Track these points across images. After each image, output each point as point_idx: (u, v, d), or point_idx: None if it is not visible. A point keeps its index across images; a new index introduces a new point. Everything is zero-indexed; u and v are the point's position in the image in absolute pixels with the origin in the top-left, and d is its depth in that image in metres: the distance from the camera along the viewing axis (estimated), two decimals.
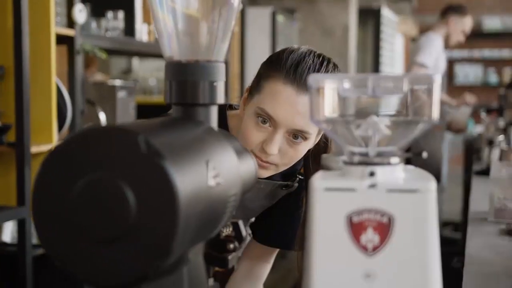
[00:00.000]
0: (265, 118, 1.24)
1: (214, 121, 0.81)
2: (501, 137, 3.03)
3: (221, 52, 0.82)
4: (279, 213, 1.49)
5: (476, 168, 3.23)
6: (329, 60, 1.26)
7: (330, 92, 0.70)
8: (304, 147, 1.27)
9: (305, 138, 1.25)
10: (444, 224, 5.42)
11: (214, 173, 0.68)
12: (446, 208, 5.70)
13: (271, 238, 1.52)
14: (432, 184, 0.67)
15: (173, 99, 0.80)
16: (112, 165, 0.60)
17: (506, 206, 1.90)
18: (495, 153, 2.98)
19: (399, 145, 0.70)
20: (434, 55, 4.29)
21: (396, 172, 0.69)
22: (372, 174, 0.68)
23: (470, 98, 4.86)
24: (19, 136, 2.27)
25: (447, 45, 4.44)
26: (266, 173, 1.29)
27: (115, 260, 0.60)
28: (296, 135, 1.25)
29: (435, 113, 0.68)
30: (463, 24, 4.41)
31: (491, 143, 3.19)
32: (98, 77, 4.21)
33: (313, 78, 0.69)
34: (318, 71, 1.21)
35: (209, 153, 0.70)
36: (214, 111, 0.81)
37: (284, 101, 1.22)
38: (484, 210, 1.95)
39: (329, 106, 0.70)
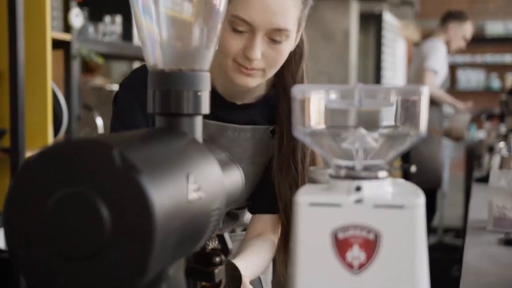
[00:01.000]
0: (240, 25, 1.20)
1: (198, 132, 0.79)
2: (501, 144, 3.01)
3: (206, 61, 0.80)
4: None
5: (476, 175, 3.21)
6: None
7: (316, 103, 0.67)
8: (286, 47, 1.24)
9: (286, 36, 1.21)
10: (445, 231, 5.39)
11: (195, 187, 0.66)
12: (448, 214, 5.67)
13: (270, 204, 1.39)
14: (420, 199, 0.65)
15: (157, 109, 0.78)
16: (87, 179, 0.58)
17: (505, 215, 1.88)
18: (496, 160, 2.95)
19: (387, 158, 0.68)
20: (440, 61, 4.31)
21: (383, 187, 0.67)
22: (358, 188, 0.65)
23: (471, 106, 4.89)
24: (13, 141, 2.25)
25: (448, 51, 4.44)
26: (254, 81, 1.26)
27: (89, 277, 0.58)
28: (275, 36, 1.21)
29: (423, 126, 0.66)
30: (463, 30, 4.39)
31: (491, 149, 3.16)
32: (99, 81, 4.19)
33: (298, 89, 0.67)
34: None
35: (190, 166, 0.67)
36: (198, 121, 0.79)
37: (256, 2, 1.18)
38: (484, 218, 1.93)
39: (314, 118, 0.68)
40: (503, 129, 4.13)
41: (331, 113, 0.69)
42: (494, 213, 1.86)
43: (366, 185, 0.66)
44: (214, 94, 1.33)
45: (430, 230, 5.11)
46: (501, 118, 4.39)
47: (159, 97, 0.77)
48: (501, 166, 2.81)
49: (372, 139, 0.67)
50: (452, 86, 10.10)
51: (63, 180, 0.58)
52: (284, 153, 1.31)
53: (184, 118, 0.77)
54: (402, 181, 0.72)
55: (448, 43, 4.39)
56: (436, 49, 4.30)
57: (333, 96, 0.67)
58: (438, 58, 4.30)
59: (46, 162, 0.59)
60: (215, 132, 1.35)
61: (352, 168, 0.67)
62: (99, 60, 2.67)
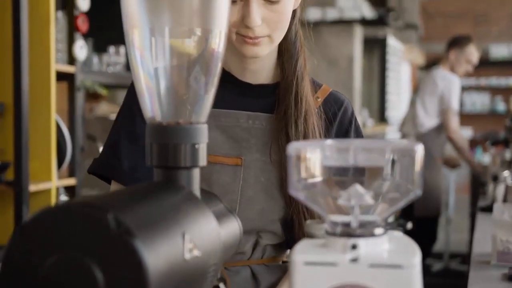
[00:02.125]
0: None
1: (196, 184, 0.79)
2: (506, 173, 2.99)
3: (203, 113, 0.81)
4: None
5: (481, 204, 3.19)
6: None
7: (311, 160, 0.67)
8: (286, 5, 1.16)
9: None
10: (451, 256, 5.35)
11: (191, 246, 0.66)
12: (454, 239, 5.63)
13: None
14: (417, 258, 0.65)
15: (154, 162, 0.78)
16: (81, 243, 0.58)
17: (509, 250, 1.86)
18: (500, 189, 2.93)
19: (383, 215, 0.68)
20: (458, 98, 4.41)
21: (379, 244, 0.66)
22: (354, 247, 0.65)
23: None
24: (17, 174, 2.25)
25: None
26: (262, 50, 1.18)
27: None
28: None
29: (417, 184, 0.66)
30: (465, 55, 4.40)
31: (496, 178, 3.14)
32: (104, 107, 4.21)
33: (292, 146, 0.67)
34: None
35: (186, 223, 0.67)
36: (196, 174, 0.79)
37: None
38: (488, 251, 1.91)
39: (309, 175, 0.68)
40: (508, 155, 4.12)
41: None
42: (498, 247, 1.85)
43: (362, 243, 0.65)
44: (228, 76, 1.27)
45: (432, 256, 5.08)
46: (505, 143, 4.38)
47: (156, 150, 0.78)
48: (506, 196, 2.80)
49: (368, 196, 0.67)
50: None
51: (58, 244, 0.58)
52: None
53: (182, 171, 0.77)
54: (399, 234, 0.72)
55: (452, 70, 4.40)
56: (454, 86, 4.34)
57: (328, 153, 0.67)
58: (458, 95, 4.37)
59: (41, 226, 0.59)
60: (227, 121, 1.24)
61: (348, 225, 0.67)
62: (103, 92, 2.68)
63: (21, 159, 2.27)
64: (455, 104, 4.30)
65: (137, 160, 1.20)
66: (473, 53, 4.51)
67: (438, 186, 4.40)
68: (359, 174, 0.69)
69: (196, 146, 0.78)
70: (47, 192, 2.44)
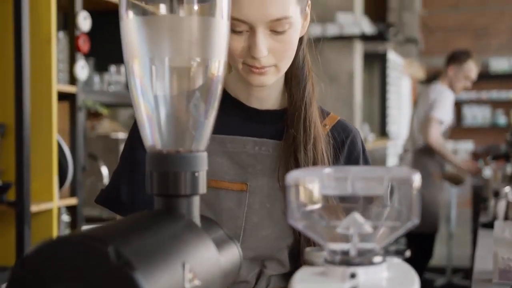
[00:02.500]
0: (237, 25, 1.12)
1: (195, 212, 0.79)
2: (507, 189, 2.98)
3: (203, 141, 0.81)
4: None
5: (482, 220, 3.18)
6: None
7: (309, 189, 0.68)
8: (292, 35, 1.15)
9: (289, 24, 1.13)
10: (454, 271, 5.34)
11: (191, 276, 0.66)
12: (456, 253, 5.61)
13: None
14: (416, 286, 0.65)
15: (155, 190, 0.79)
16: (82, 275, 0.58)
17: (510, 267, 1.86)
18: (502, 205, 2.93)
19: (382, 243, 0.68)
20: (447, 111, 4.32)
21: (378, 273, 0.67)
22: (353, 275, 0.66)
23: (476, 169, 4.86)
24: (19, 195, 2.26)
25: (454, 92, 4.45)
26: (268, 79, 1.17)
27: None
28: (277, 27, 1.12)
29: (415, 212, 0.66)
30: (464, 71, 4.40)
31: (497, 194, 3.14)
32: (105, 125, 4.22)
33: (291, 176, 0.68)
34: None
35: (186, 253, 0.68)
36: (196, 202, 0.80)
37: None
38: (489, 269, 1.91)
39: (308, 204, 0.68)
40: (509, 169, 4.11)
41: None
42: (500, 265, 1.85)
43: (361, 271, 0.66)
44: (235, 102, 1.27)
45: (435, 270, 5.06)
46: (507, 158, 4.37)
47: (156, 179, 0.78)
48: (507, 212, 2.79)
49: (367, 225, 0.67)
50: (458, 123, 10.13)
51: (59, 276, 0.58)
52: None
53: (182, 199, 0.78)
54: (398, 261, 0.72)
55: (451, 86, 4.41)
56: (444, 97, 4.31)
57: (326, 182, 0.68)
58: (447, 108, 4.31)
59: (42, 258, 0.59)
60: (233, 147, 1.24)
61: (346, 253, 0.68)
62: (104, 111, 2.69)
63: (23, 180, 2.28)
64: (439, 114, 4.24)
65: (137, 191, 1.21)
66: (471, 69, 4.51)
67: (436, 202, 4.38)
68: (358, 203, 0.70)
69: (196, 174, 0.79)
70: (48, 212, 2.44)
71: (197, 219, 0.79)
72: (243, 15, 1.11)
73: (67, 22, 2.67)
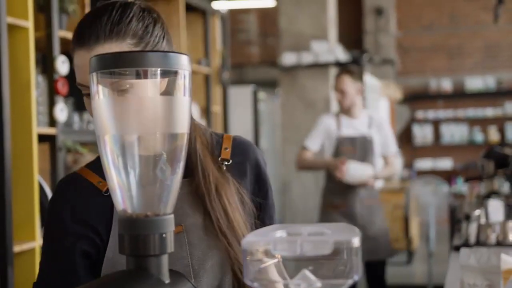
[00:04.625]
0: (85, 89, 1.18)
1: (164, 269, 0.87)
2: (477, 212, 3.07)
3: (170, 204, 0.90)
4: None
5: (456, 242, 3.26)
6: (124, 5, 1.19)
7: (263, 252, 0.76)
8: (143, 93, 1.13)
9: (130, 85, 1.12)
10: None
11: None
12: (437, 270, 5.69)
13: None
14: None
15: (126, 251, 0.87)
16: None
17: None
18: (473, 228, 3.00)
19: None
20: (315, 135, 4.06)
21: None
22: None
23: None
24: (1, 236, 2.32)
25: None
26: None
27: None
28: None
29: (355, 271, 0.75)
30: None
31: (468, 217, 3.22)
32: (87, 158, 4.27)
33: (246, 241, 0.76)
34: (101, 17, 1.16)
35: None
36: (164, 260, 0.88)
37: (79, 65, 1.17)
38: None
39: (262, 263, 0.77)
40: (482, 189, 4.21)
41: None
42: None
43: None
44: None
45: None
46: (480, 178, 4.46)
47: (128, 241, 0.87)
48: (478, 234, 2.88)
49: (316, 281, 0.76)
50: (436, 141, 10.30)
51: None
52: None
53: (152, 258, 0.86)
54: None
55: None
56: (316, 124, 4.10)
57: (279, 245, 0.76)
58: (312, 133, 4.06)
59: None
60: None
61: None
62: (83, 151, 2.77)
63: (5, 221, 2.34)
64: (306, 141, 4.05)
65: (68, 280, 1.21)
66: (336, 81, 4.08)
67: (384, 227, 4.21)
68: (307, 261, 0.78)
69: (164, 235, 0.87)
70: (31, 251, 2.50)
71: (165, 276, 0.87)
72: (82, 79, 1.17)
73: (46, 66, 2.75)
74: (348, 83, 3.91)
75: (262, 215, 1.33)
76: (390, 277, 4.92)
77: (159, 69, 0.86)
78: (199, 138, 1.28)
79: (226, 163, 1.29)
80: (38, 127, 2.55)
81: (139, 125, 0.86)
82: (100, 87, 0.87)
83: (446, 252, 5.98)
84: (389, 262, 6.56)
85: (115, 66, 0.86)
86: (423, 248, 7.19)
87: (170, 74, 0.87)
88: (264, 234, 0.78)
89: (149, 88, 0.88)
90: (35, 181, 2.49)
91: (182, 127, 0.88)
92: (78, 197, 1.25)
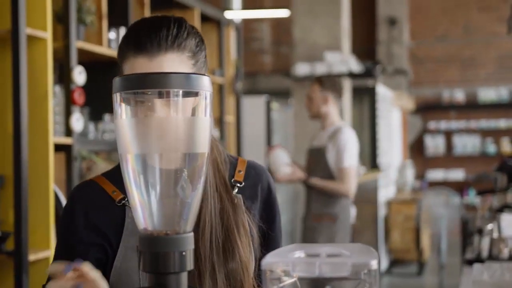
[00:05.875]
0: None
1: (184, 286, 0.89)
2: (490, 226, 3.06)
3: (190, 222, 0.91)
4: None
5: (468, 256, 3.25)
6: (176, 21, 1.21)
7: (282, 272, 0.78)
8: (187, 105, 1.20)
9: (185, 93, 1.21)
10: None
11: None
12: (448, 283, 5.67)
13: None
14: None
15: (146, 268, 0.89)
16: None
17: None
18: (485, 242, 2.99)
19: None
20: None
21: None
22: None
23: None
24: (17, 244, 2.35)
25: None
26: None
27: None
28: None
29: None
30: None
31: (480, 231, 3.22)
32: (101, 166, 4.30)
33: (265, 261, 0.78)
34: (161, 28, 1.18)
35: None
36: (184, 277, 0.89)
37: (140, 70, 1.17)
38: None
39: (281, 285, 0.78)
40: (495, 202, 4.20)
41: None
42: None
43: None
44: None
45: None
46: (493, 191, 4.44)
47: (148, 258, 0.88)
48: (491, 249, 2.87)
49: None
50: (448, 152, 10.27)
51: None
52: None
53: (171, 276, 0.88)
54: None
55: None
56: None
57: (297, 266, 0.78)
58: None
59: None
60: None
61: None
62: (98, 160, 2.79)
63: (21, 230, 2.37)
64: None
65: None
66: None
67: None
68: (326, 282, 0.79)
69: (184, 253, 0.88)
70: (46, 260, 2.53)
71: None
72: None
73: (63, 76, 2.78)
74: (316, 90, 3.93)
75: (268, 240, 1.33)
76: None
77: (181, 90, 0.88)
78: (214, 159, 1.30)
79: (239, 185, 1.31)
80: (54, 137, 2.58)
81: (161, 145, 0.88)
82: (123, 107, 0.88)
83: (457, 265, 5.96)
84: (400, 273, 6.56)
85: (139, 87, 0.88)
86: (434, 260, 7.17)
87: (191, 95, 0.89)
88: (282, 255, 0.79)
89: (171, 108, 0.89)
90: (51, 190, 2.52)
91: (203, 147, 0.89)
92: (92, 204, 1.27)
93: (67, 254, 1.24)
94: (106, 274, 1.24)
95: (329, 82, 4.00)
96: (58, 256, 1.27)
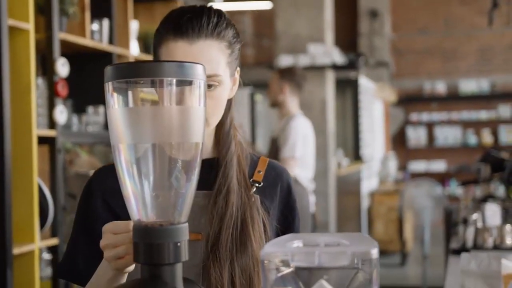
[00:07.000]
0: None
1: (178, 277, 0.88)
2: (474, 216, 3.08)
3: (184, 213, 0.90)
4: None
5: (453, 245, 3.27)
6: (216, 12, 1.24)
7: (281, 262, 0.77)
8: (222, 93, 1.22)
9: (218, 82, 1.20)
10: None
11: None
12: (432, 273, 5.72)
13: None
14: None
15: (141, 260, 0.87)
16: None
17: None
18: (470, 232, 3.01)
19: None
20: None
21: None
22: None
23: None
24: (1, 238, 2.31)
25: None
26: None
27: None
28: (208, 82, 1.17)
29: (374, 283, 0.75)
30: None
31: (465, 221, 3.24)
32: (85, 158, 4.26)
33: (264, 251, 0.77)
34: (202, 15, 1.21)
35: None
36: (179, 268, 0.88)
37: (179, 55, 1.18)
38: None
39: (279, 274, 0.77)
40: (478, 192, 4.22)
41: None
42: None
43: None
44: None
45: None
46: (475, 182, 4.47)
47: (142, 249, 0.87)
48: (475, 238, 2.89)
49: None
50: (430, 143, 10.33)
51: None
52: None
53: (166, 267, 0.87)
54: None
55: None
56: None
57: (296, 256, 0.77)
58: None
59: None
60: None
61: None
62: (83, 153, 2.76)
63: (5, 223, 2.33)
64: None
65: (93, 259, 1.19)
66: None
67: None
68: (325, 272, 0.79)
69: (178, 244, 0.87)
70: (30, 253, 2.50)
71: (179, 284, 0.88)
72: None
73: (46, 68, 2.74)
74: (274, 79, 4.04)
75: None
76: (383, 279, 4.92)
77: (174, 79, 0.86)
78: (236, 157, 1.29)
79: (257, 185, 1.30)
80: (38, 129, 2.55)
81: (154, 134, 0.87)
82: (116, 96, 0.87)
83: (440, 255, 6.00)
84: (383, 264, 6.60)
85: (131, 76, 0.86)
86: (417, 250, 7.22)
87: (185, 83, 0.88)
88: (281, 245, 0.78)
89: (164, 97, 0.88)
90: (35, 183, 2.48)
91: (197, 136, 0.88)
92: (109, 187, 1.24)
93: (86, 233, 1.25)
94: None
95: (287, 73, 4.07)
96: (76, 235, 1.27)
